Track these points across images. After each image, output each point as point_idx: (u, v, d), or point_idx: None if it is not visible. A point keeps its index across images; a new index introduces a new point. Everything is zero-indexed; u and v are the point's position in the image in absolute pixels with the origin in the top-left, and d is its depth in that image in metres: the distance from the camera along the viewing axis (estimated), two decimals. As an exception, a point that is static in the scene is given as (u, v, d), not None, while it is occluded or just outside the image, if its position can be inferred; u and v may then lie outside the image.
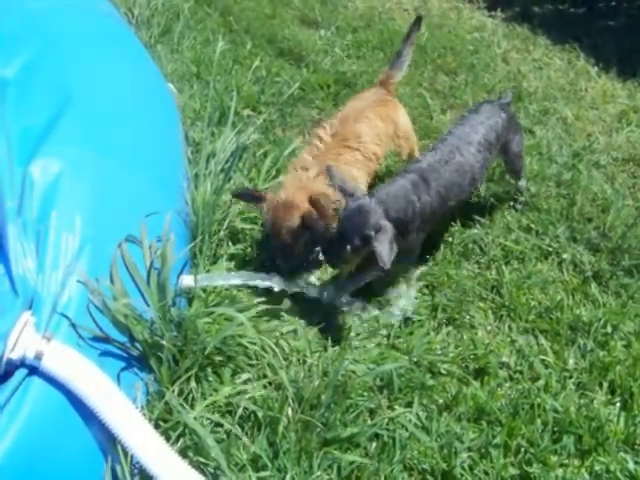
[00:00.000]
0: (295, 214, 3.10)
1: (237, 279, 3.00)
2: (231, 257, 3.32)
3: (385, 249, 2.80)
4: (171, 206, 2.99)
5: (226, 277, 3.00)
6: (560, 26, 6.32)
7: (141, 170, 2.97)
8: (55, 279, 2.29)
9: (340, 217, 3.01)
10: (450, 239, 3.55)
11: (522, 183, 3.84)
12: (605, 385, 2.82)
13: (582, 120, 4.80)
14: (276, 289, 3.02)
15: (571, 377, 2.85)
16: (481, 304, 3.21)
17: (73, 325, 2.26)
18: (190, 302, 2.86)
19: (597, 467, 2.48)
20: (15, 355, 2.05)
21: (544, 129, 4.61)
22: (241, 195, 3.31)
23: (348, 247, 2.91)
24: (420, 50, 5.65)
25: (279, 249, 3.18)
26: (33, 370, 2.10)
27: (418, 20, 3.97)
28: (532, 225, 3.68)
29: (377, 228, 2.86)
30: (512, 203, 3.84)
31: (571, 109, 4.90)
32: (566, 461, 2.51)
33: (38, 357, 2.07)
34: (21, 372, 2.09)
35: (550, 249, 3.52)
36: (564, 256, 3.46)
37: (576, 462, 2.51)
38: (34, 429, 2.02)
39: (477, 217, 3.68)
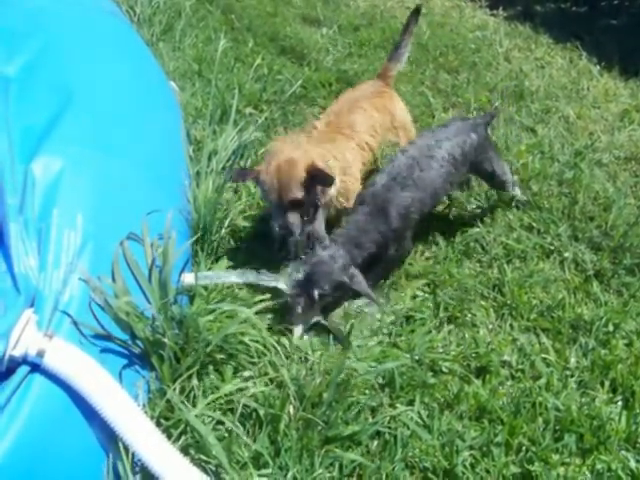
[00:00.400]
0: (300, 167, 3.07)
1: (238, 277, 3.00)
2: (232, 255, 3.32)
3: (366, 288, 3.01)
4: (172, 204, 2.99)
5: (227, 275, 3.00)
6: (562, 25, 6.33)
7: (143, 168, 2.96)
8: (57, 277, 2.29)
9: (309, 262, 3.03)
10: (452, 238, 3.55)
11: (516, 192, 3.79)
12: (607, 384, 2.82)
13: (584, 119, 4.79)
14: (278, 286, 3.02)
15: (572, 376, 2.85)
16: (483, 302, 3.21)
17: (75, 323, 2.26)
18: (191, 300, 2.86)
19: (599, 466, 2.48)
20: (17, 352, 2.04)
21: (546, 128, 4.61)
22: (237, 176, 3.28)
23: (316, 292, 2.93)
24: (422, 48, 5.66)
25: (290, 210, 3.11)
26: (35, 367, 2.10)
27: (417, 11, 3.99)
28: (534, 224, 3.68)
29: (349, 276, 2.99)
30: (513, 202, 3.81)
31: (573, 108, 4.90)
32: (567, 460, 2.51)
33: (40, 354, 2.07)
34: (23, 369, 2.08)
35: (552, 248, 3.51)
36: (566, 255, 3.46)
37: (577, 461, 2.51)
38: (36, 426, 2.02)
39: (479, 216, 3.67)
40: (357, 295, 3.08)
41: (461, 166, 3.38)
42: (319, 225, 3.30)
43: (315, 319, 3.04)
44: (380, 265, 3.24)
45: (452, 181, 3.38)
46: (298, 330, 2.96)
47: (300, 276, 3.01)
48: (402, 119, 3.88)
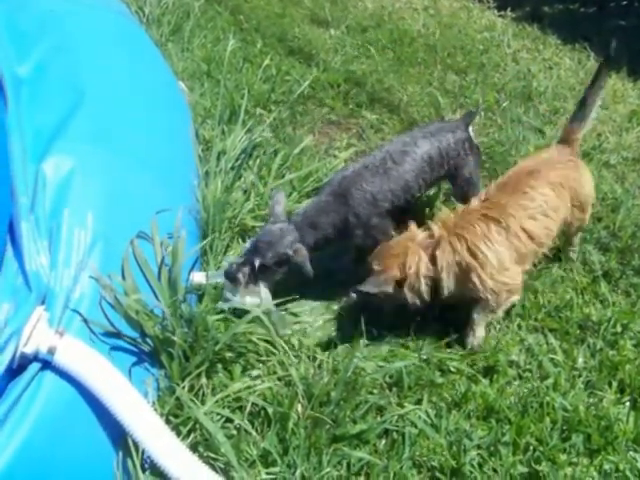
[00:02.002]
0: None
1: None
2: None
3: (307, 266, 2.94)
4: (182, 203, 3.00)
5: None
6: (570, 26, 6.31)
7: (152, 167, 2.99)
8: (67, 275, 2.31)
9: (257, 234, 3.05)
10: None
11: None
12: (614, 384, 2.81)
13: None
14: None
15: (580, 376, 2.85)
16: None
17: (85, 320, 2.28)
18: (200, 299, 2.88)
19: (606, 466, 2.48)
20: (29, 349, 2.07)
21: (554, 129, 4.59)
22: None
23: (257, 261, 2.91)
24: (430, 49, 5.67)
25: None
26: (46, 364, 2.12)
27: (605, 61, 3.39)
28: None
29: (294, 249, 2.95)
30: None
31: (581, 109, 4.88)
32: (575, 460, 2.51)
33: (51, 352, 2.09)
34: (34, 366, 2.11)
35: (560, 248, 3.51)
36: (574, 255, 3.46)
37: (585, 461, 2.51)
38: (47, 422, 2.04)
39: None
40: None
41: (438, 167, 3.36)
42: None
43: (260, 298, 2.95)
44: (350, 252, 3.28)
45: (426, 179, 3.34)
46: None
47: (247, 246, 3.02)
48: (585, 198, 3.25)
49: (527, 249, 2.95)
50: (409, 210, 3.36)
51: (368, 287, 2.83)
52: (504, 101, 4.90)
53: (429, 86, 5.11)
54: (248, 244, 3.03)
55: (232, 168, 3.61)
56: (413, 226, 3.01)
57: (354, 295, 3.02)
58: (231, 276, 2.89)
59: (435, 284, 2.88)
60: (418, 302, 2.90)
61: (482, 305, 2.93)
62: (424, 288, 2.87)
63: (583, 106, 3.25)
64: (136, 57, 3.75)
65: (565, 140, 3.27)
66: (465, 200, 3.46)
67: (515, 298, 3.02)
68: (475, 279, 2.85)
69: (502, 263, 2.86)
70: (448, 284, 2.87)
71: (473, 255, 2.82)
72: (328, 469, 2.39)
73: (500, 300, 2.93)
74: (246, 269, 2.90)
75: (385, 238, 3.14)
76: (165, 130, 3.38)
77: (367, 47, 5.70)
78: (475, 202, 2.98)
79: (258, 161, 3.92)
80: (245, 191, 3.65)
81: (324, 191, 3.19)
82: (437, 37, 5.90)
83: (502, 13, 6.68)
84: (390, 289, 2.84)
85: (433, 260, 2.86)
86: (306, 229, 3.05)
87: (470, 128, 3.51)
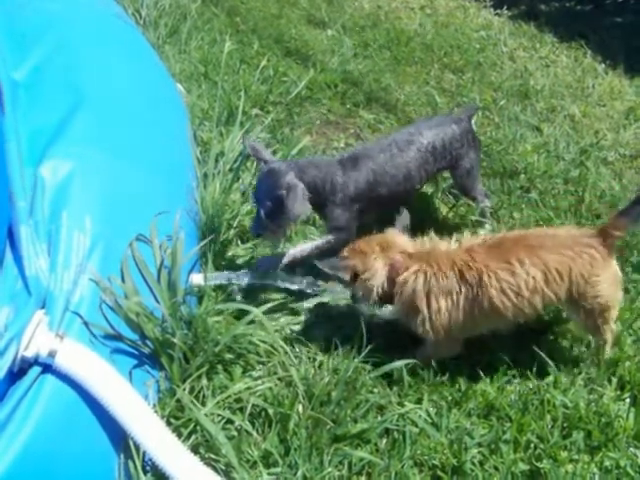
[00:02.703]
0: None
1: (246, 278, 3.02)
2: (240, 256, 3.33)
3: (294, 202, 2.91)
4: (180, 205, 3.01)
5: (236, 276, 3.02)
6: (567, 23, 6.33)
7: (151, 169, 2.99)
8: (67, 278, 2.31)
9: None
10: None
11: (485, 204, 3.64)
12: (614, 381, 2.82)
13: (589, 117, 4.80)
14: (288, 287, 3.04)
15: (580, 373, 2.86)
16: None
17: (85, 323, 2.28)
18: (200, 300, 2.88)
19: (607, 463, 2.48)
20: (29, 353, 2.07)
21: (551, 126, 4.61)
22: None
23: (262, 211, 2.94)
24: (427, 49, 5.68)
25: None
26: (47, 368, 2.12)
27: None
28: (540, 222, 3.68)
29: (287, 187, 2.93)
30: (477, 211, 3.68)
31: (578, 106, 4.91)
32: (576, 456, 2.52)
33: (52, 355, 2.10)
34: (35, 370, 2.11)
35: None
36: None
37: (586, 458, 2.51)
38: (48, 426, 2.04)
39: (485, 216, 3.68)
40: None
41: (440, 158, 3.38)
42: None
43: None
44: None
45: (428, 170, 3.37)
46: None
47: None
48: (599, 294, 2.72)
49: (485, 319, 2.74)
50: (409, 202, 3.35)
51: (326, 264, 2.79)
52: (501, 99, 4.92)
53: (426, 85, 5.13)
54: (252, 197, 3.10)
55: (230, 170, 3.61)
56: (393, 231, 2.89)
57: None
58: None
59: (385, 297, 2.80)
60: (365, 302, 2.88)
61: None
62: (374, 295, 2.78)
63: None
64: (133, 59, 3.75)
65: (603, 230, 2.72)
66: (464, 191, 3.58)
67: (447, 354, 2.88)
68: (419, 324, 2.73)
69: (449, 323, 2.71)
70: (396, 309, 2.83)
71: (428, 304, 2.69)
72: (329, 469, 2.39)
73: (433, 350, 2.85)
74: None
75: (346, 232, 3.15)
76: (163, 132, 3.38)
77: (364, 47, 5.71)
78: (463, 245, 2.76)
79: (256, 162, 3.92)
80: (243, 193, 3.65)
81: (334, 156, 3.30)
82: (434, 36, 5.92)
83: (498, 12, 6.70)
84: (347, 277, 2.79)
85: (391, 281, 2.75)
86: (306, 169, 3.09)
87: (472, 121, 3.55)
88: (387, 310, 2.96)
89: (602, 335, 2.84)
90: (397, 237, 2.87)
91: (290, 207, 2.92)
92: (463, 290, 2.67)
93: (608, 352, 2.88)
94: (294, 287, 3.05)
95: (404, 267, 2.74)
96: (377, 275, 2.76)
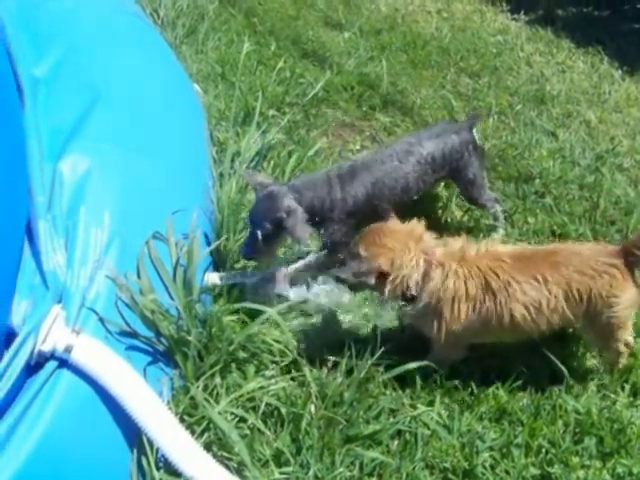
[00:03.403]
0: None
1: (261, 277, 3.03)
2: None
3: (297, 227, 2.92)
4: (196, 204, 3.02)
5: (251, 275, 3.03)
6: (584, 29, 6.31)
7: (167, 168, 3.01)
8: (84, 274, 2.33)
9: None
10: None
11: (496, 210, 3.63)
12: (627, 387, 2.81)
13: (605, 123, 4.79)
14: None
15: (593, 379, 2.85)
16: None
17: (101, 319, 2.30)
18: (215, 299, 2.89)
19: (619, 469, 2.48)
20: (46, 347, 2.08)
21: (567, 132, 4.60)
22: None
23: (259, 233, 2.94)
24: (443, 52, 5.68)
25: None
26: (63, 362, 2.14)
27: None
28: (555, 227, 3.67)
29: (287, 211, 2.93)
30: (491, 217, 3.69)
31: (594, 112, 4.89)
32: (587, 462, 2.52)
33: (68, 350, 2.11)
34: (51, 364, 2.12)
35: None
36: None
37: (598, 464, 2.51)
38: (63, 419, 2.05)
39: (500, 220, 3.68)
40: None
41: (439, 168, 3.38)
42: None
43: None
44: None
45: (426, 181, 3.37)
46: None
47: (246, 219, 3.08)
48: (616, 315, 2.67)
49: (500, 331, 2.71)
50: (408, 205, 3.37)
51: (348, 274, 2.67)
52: (517, 104, 4.91)
53: (442, 89, 5.13)
54: (246, 217, 3.09)
55: (247, 169, 3.62)
56: (419, 224, 2.76)
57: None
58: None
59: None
60: (390, 300, 2.76)
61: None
62: (398, 292, 2.67)
63: None
64: (151, 58, 3.77)
65: (626, 248, 2.65)
66: (471, 200, 3.57)
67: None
68: (436, 327, 2.69)
69: (464, 330, 2.68)
70: (415, 308, 2.71)
71: (451, 308, 2.64)
72: (341, 469, 2.40)
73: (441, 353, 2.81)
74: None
75: (343, 245, 3.06)
76: (180, 131, 3.40)
77: (381, 50, 5.71)
78: (496, 253, 2.70)
79: (272, 163, 3.94)
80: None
81: (331, 170, 3.26)
82: (450, 40, 5.92)
83: (515, 16, 6.69)
84: (372, 281, 2.64)
85: (426, 277, 2.65)
86: (305, 191, 3.09)
87: (474, 130, 3.53)
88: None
89: (613, 353, 2.82)
90: (407, 228, 2.75)
91: (292, 231, 2.94)
92: (487, 299, 2.62)
93: (620, 367, 2.86)
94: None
95: (437, 264, 2.65)
96: (413, 271, 2.62)
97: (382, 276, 2.63)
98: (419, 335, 2.84)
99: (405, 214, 2.85)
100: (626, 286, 2.64)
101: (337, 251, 3.10)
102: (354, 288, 2.99)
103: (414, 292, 2.65)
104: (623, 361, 2.86)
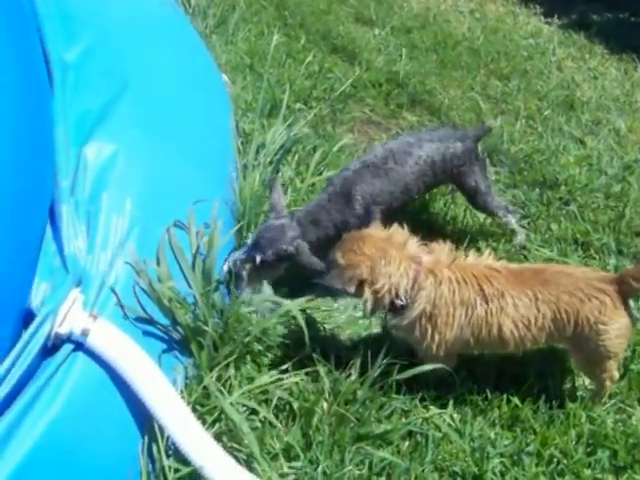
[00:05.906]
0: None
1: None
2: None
3: (312, 260, 2.87)
4: (219, 194, 3.03)
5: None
6: (618, 35, 6.23)
7: (192, 156, 3.01)
8: (103, 259, 2.35)
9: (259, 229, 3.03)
10: (494, 245, 3.51)
11: (509, 219, 3.56)
12: (644, 402, 2.78)
13: (635, 132, 4.72)
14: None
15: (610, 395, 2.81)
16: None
17: (119, 305, 2.31)
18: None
19: (633, 484, 2.46)
20: (63, 330, 2.10)
21: (595, 140, 4.54)
22: None
23: (258, 257, 2.90)
24: (474, 54, 5.64)
25: None
26: (79, 346, 2.16)
27: None
28: (578, 236, 3.64)
29: (295, 247, 2.92)
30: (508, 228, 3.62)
31: (625, 120, 4.82)
32: (600, 476, 2.48)
33: (84, 334, 2.13)
34: (67, 347, 2.14)
35: (595, 262, 3.46)
36: (608, 268, 3.40)
37: (610, 477, 2.49)
38: (77, 402, 2.08)
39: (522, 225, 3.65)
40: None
41: (440, 172, 3.32)
42: None
43: (264, 294, 2.97)
44: None
45: (426, 182, 3.32)
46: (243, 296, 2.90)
47: (249, 242, 3.00)
48: (604, 344, 2.58)
49: (488, 344, 2.66)
50: (405, 210, 3.37)
51: (332, 282, 2.58)
52: (546, 109, 4.86)
53: (471, 90, 5.09)
54: (250, 239, 3.03)
55: (270, 162, 3.63)
56: (401, 230, 2.68)
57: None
58: (235, 272, 2.89)
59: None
60: (376, 311, 2.66)
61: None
62: (386, 302, 2.59)
63: None
64: (180, 47, 3.78)
65: (622, 277, 2.57)
66: (478, 208, 3.54)
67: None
68: (429, 339, 2.62)
69: (454, 341, 2.63)
70: (404, 319, 2.62)
71: (446, 319, 2.57)
72: (350, 467, 2.39)
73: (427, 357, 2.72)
74: (248, 266, 2.92)
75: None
76: (206, 120, 3.40)
77: (411, 48, 5.68)
78: (488, 263, 2.66)
79: (297, 157, 3.94)
80: (282, 185, 3.66)
81: (326, 190, 3.21)
82: (481, 41, 5.87)
83: (549, 20, 6.63)
84: (352, 289, 2.55)
85: (415, 284, 2.56)
86: (308, 225, 3.06)
87: (479, 142, 3.52)
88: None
89: (597, 383, 2.75)
90: (404, 235, 2.66)
91: (307, 263, 2.90)
92: (478, 308, 2.55)
93: (604, 399, 2.76)
94: None
95: (427, 271, 2.58)
96: (401, 279, 2.54)
97: (362, 284, 2.55)
98: (406, 347, 2.79)
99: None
100: (616, 314, 2.54)
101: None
102: (336, 296, 3.00)
103: (403, 301, 2.58)
104: (605, 398, 2.76)
